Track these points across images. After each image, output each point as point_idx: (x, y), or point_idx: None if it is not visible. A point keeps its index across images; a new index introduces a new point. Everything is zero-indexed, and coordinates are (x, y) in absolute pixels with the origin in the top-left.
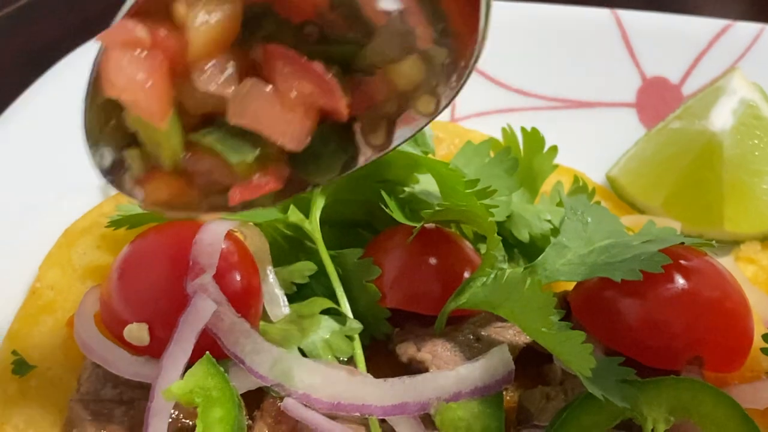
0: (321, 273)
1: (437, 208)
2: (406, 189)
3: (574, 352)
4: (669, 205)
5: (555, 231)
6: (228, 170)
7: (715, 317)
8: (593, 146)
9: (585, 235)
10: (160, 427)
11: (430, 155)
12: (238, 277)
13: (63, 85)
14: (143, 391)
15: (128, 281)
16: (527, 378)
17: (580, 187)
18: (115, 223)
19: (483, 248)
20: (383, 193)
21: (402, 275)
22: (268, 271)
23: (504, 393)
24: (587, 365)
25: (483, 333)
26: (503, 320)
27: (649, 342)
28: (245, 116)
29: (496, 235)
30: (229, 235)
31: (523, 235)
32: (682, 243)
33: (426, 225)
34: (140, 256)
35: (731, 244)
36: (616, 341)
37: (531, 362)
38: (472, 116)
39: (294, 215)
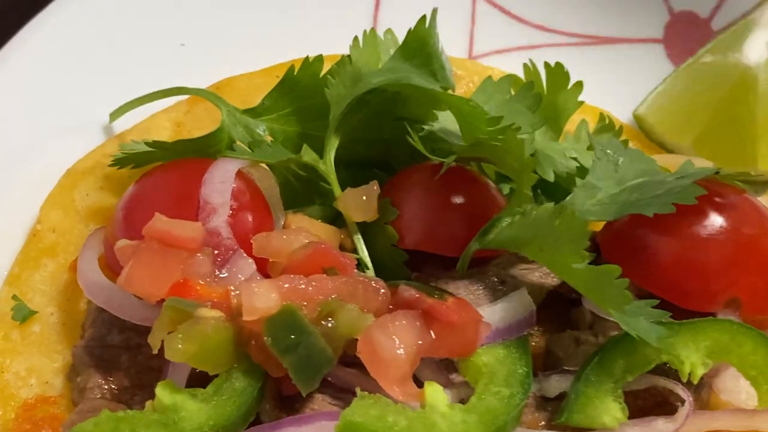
0: (338, 215)
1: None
2: (425, 127)
3: (608, 289)
4: (700, 144)
5: (581, 170)
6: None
7: (754, 256)
8: (619, 84)
9: (617, 176)
10: (180, 376)
11: (449, 92)
12: (251, 219)
13: (63, 21)
14: None
15: (134, 222)
16: (555, 323)
17: (606, 125)
18: (119, 162)
19: (505, 189)
20: (407, 127)
21: (421, 216)
22: (280, 215)
23: (530, 339)
24: (622, 302)
25: (507, 276)
26: (528, 262)
27: (683, 283)
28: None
29: (531, 173)
30: (240, 174)
31: (548, 174)
32: (717, 173)
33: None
34: (146, 195)
35: (766, 184)
36: (649, 283)
37: (559, 307)
38: (491, 53)
39: (308, 155)
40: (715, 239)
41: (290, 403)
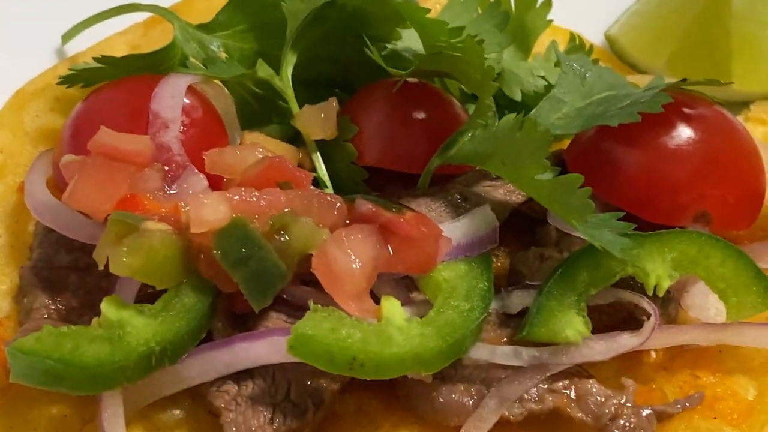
0: (296, 135)
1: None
2: (388, 46)
3: (570, 200)
4: (673, 64)
5: (549, 89)
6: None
7: (724, 169)
8: (589, 6)
9: (583, 90)
10: (127, 292)
11: None
12: (203, 135)
13: None
14: None
15: (82, 139)
16: (519, 244)
17: (576, 46)
18: (68, 80)
19: (471, 109)
20: (367, 42)
21: (382, 132)
22: (236, 134)
23: (495, 260)
24: (585, 212)
25: (470, 193)
26: (492, 179)
27: (651, 196)
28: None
29: (492, 81)
30: (193, 90)
31: (515, 93)
32: (684, 80)
33: (409, 80)
34: (95, 112)
35: (740, 104)
36: (616, 196)
37: (523, 227)
38: None
39: (263, 70)
40: (683, 150)
41: (243, 322)
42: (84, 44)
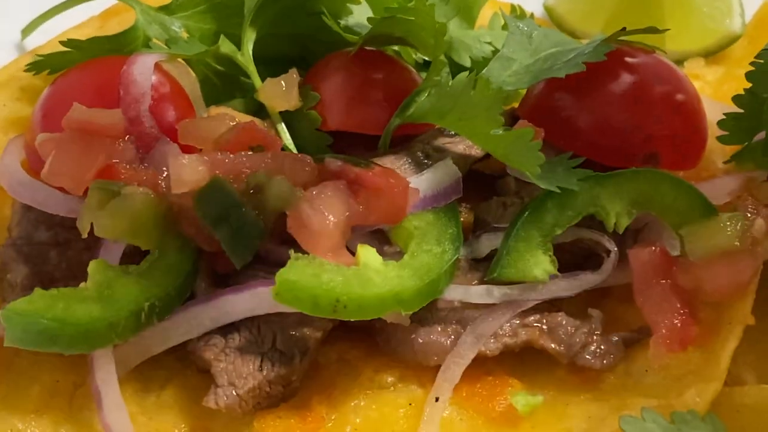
0: (260, 108)
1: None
2: (340, 22)
3: (523, 151)
4: (610, 30)
5: (497, 53)
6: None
7: (668, 112)
8: None
9: (530, 48)
10: (111, 258)
11: None
12: (173, 110)
13: None
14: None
15: (54, 119)
16: (480, 198)
17: (518, 16)
18: (35, 66)
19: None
20: (323, 17)
21: (342, 97)
22: (202, 110)
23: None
24: (535, 162)
25: (432, 150)
26: (452, 135)
27: (602, 140)
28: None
29: (443, 38)
30: (159, 68)
31: (464, 59)
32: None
33: (365, 48)
34: (64, 93)
35: (675, 62)
36: (569, 144)
37: (483, 183)
38: None
39: (225, 46)
40: (629, 95)
41: (225, 281)
42: (42, 39)
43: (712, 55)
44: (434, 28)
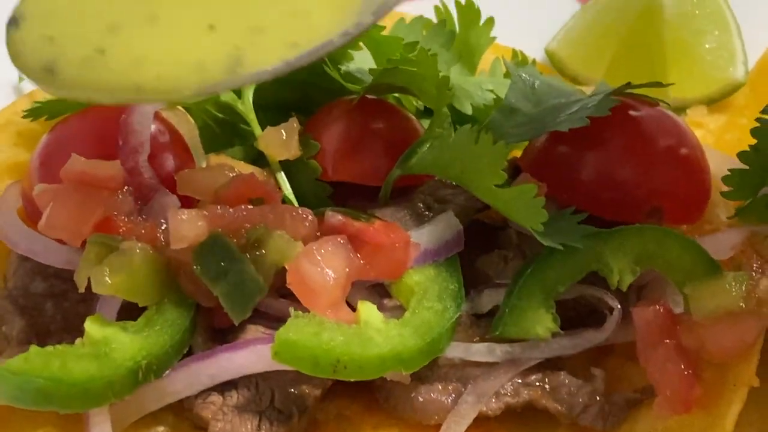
0: (259, 156)
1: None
2: (341, 67)
3: (525, 208)
4: (612, 75)
5: (498, 101)
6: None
7: (672, 165)
8: (528, 25)
9: (533, 98)
10: (108, 312)
11: None
12: (172, 160)
13: None
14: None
15: (52, 168)
16: (481, 249)
17: (519, 61)
18: (33, 113)
19: (426, 125)
20: (326, 61)
21: (343, 147)
22: (202, 158)
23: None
24: (538, 219)
25: (433, 201)
26: (453, 187)
27: (605, 194)
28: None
29: (447, 90)
30: (158, 117)
31: (466, 107)
32: (629, 84)
33: (366, 96)
34: (63, 141)
35: (677, 110)
36: (571, 198)
37: (484, 234)
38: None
39: (226, 94)
40: (632, 149)
41: (223, 336)
42: None
43: (714, 102)
44: (437, 79)
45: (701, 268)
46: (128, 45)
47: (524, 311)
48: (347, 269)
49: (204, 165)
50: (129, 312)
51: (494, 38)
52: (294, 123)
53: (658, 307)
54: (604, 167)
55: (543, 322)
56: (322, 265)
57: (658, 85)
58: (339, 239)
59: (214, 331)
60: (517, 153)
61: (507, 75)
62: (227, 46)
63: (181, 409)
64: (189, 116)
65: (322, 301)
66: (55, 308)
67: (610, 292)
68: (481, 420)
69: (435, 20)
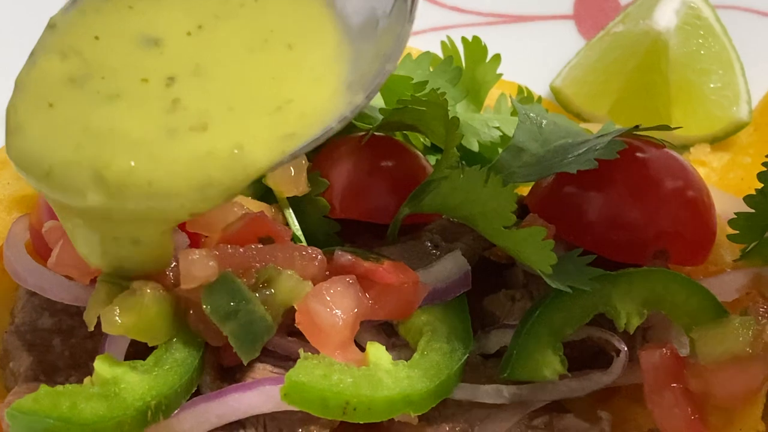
0: (267, 192)
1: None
2: None
3: (535, 250)
4: (616, 113)
5: (505, 138)
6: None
7: (678, 207)
8: (533, 61)
9: (541, 138)
10: (117, 350)
11: None
12: None
13: None
14: (83, 318)
15: None
16: (488, 288)
17: (525, 98)
18: None
19: (432, 161)
20: None
21: (351, 185)
22: None
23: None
24: (548, 262)
25: (440, 240)
26: (461, 226)
27: (612, 236)
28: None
29: (456, 130)
30: None
31: (473, 144)
32: (637, 127)
33: (375, 134)
34: None
35: (681, 148)
36: (578, 239)
37: (491, 273)
38: (415, 33)
39: None
40: (639, 191)
41: (231, 374)
42: None
43: (718, 141)
44: (447, 119)
45: (708, 312)
46: None
47: (532, 353)
48: (356, 309)
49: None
50: (137, 349)
51: (500, 75)
52: (302, 159)
53: (665, 350)
54: (611, 209)
55: (551, 365)
56: (331, 306)
57: (666, 128)
58: (348, 279)
59: (222, 369)
60: (523, 190)
61: (513, 112)
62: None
63: None
64: None
65: (331, 342)
66: (63, 344)
67: (617, 334)
68: None
69: (441, 56)
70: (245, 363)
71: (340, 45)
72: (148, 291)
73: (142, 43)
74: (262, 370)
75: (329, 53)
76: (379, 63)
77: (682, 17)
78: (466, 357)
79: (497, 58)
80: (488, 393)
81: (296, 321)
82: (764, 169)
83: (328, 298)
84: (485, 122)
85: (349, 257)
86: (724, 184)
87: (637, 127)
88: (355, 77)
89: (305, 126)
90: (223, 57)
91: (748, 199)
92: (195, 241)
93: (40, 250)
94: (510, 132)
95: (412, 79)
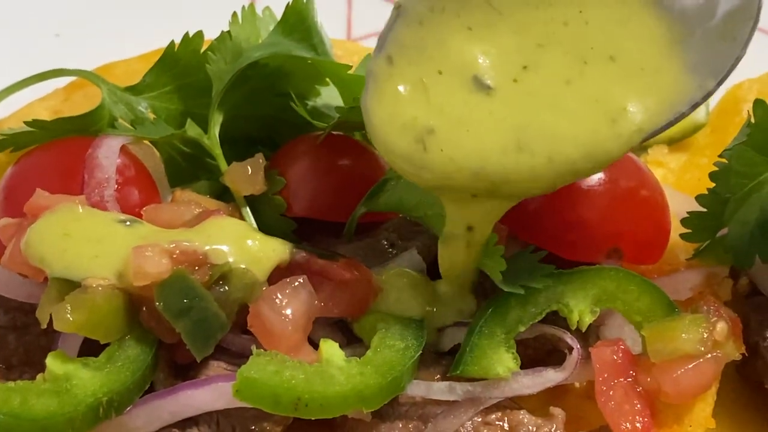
0: (225, 191)
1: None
2: (309, 102)
3: (486, 255)
4: None
5: None
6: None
7: (632, 208)
8: None
9: None
10: (70, 347)
11: None
12: (137, 194)
13: None
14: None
15: (16, 201)
16: None
17: None
18: None
19: None
20: (291, 99)
21: (308, 183)
22: (167, 192)
23: None
24: (499, 267)
25: (397, 239)
26: (417, 225)
27: (566, 235)
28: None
29: None
30: (124, 150)
31: None
32: None
33: (332, 132)
34: (27, 174)
35: (639, 149)
36: (533, 238)
37: None
38: (370, 35)
39: (192, 130)
40: (594, 191)
41: (185, 371)
42: (6, 111)
43: (675, 142)
44: None
45: (659, 310)
46: None
47: (484, 351)
48: (308, 310)
49: (169, 199)
50: (91, 346)
51: None
52: (260, 158)
53: (616, 347)
54: (566, 208)
55: (503, 362)
56: (281, 311)
57: None
58: (299, 280)
59: (176, 366)
60: None
61: None
62: None
63: None
64: (155, 150)
65: (283, 344)
66: (17, 341)
67: (570, 331)
68: None
69: None
70: (198, 360)
71: (670, 30)
72: (100, 288)
73: (475, 87)
74: (216, 367)
75: (659, 42)
76: (727, 44)
77: None
78: (419, 354)
79: None
80: (441, 390)
81: (248, 324)
82: (716, 169)
83: (278, 303)
84: None
85: (304, 254)
86: (681, 185)
87: None
88: (699, 58)
89: (651, 117)
90: (544, 99)
91: (700, 199)
92: None
93: None
94: None
95: None
